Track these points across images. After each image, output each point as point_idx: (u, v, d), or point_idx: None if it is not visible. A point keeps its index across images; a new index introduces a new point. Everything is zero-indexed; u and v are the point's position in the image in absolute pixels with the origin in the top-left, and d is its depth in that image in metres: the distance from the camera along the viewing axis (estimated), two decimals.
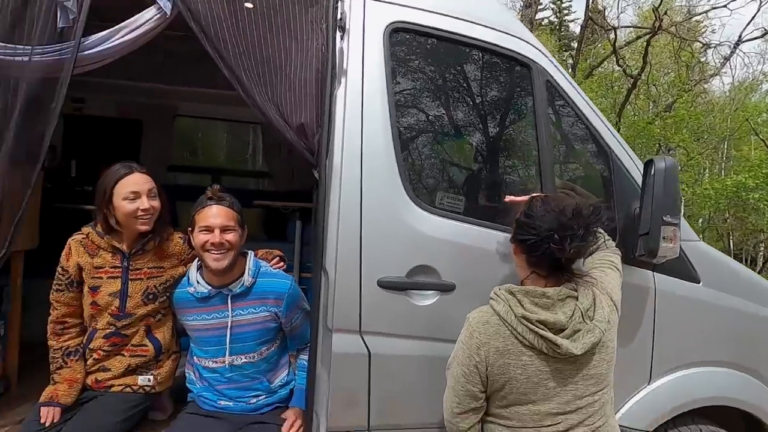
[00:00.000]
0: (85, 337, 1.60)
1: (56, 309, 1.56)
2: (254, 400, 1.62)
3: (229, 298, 1.58)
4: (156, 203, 1.56)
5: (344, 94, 1.53)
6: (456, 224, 1.54)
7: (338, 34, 1.54)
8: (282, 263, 1.77)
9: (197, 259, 1.63)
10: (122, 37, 1.57)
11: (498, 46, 1.64)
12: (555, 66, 1.65)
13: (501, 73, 1.79)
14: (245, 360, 1.61)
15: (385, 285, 1.46)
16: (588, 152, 1.78)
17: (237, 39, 1.53)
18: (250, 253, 1.67)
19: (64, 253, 1.56)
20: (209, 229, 1.51)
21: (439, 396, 1.49)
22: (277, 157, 3.45)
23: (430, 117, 1.74)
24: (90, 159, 3.08)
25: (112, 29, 1.57)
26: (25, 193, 1.50)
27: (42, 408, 1.48)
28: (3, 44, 1.46)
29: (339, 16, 1.53)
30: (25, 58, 1.47)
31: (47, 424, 1.45)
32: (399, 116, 1.58)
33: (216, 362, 1.60)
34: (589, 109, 1.68)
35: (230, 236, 1.52)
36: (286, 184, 3.46)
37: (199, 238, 1.52)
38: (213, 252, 1.50)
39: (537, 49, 1.66)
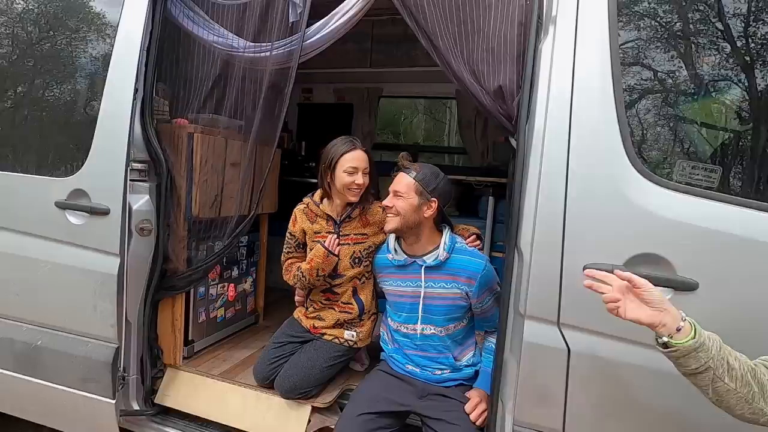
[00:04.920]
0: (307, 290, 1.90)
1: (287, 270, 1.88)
2: (439, 372, 1.63)
3: (423, 269, 1.61)
4: (367, 180, 1.70)
5: (551, 48, 1.31)
6: (708, 204, 1.15)
7: None
8: (478, 242, 1.70)
9: None
10: (336, 22, 1.72)
11: None
12: None
13: None
14: (433, 332, 1.63)
15: None
16: None
17: (434, 4, 1.48)
18: (447, 228, 1.66)
19: (291, 220, 1.86)
20: (387, 193, 1.59)
21: (656, 418, 1.18)
22: (471, 133, 3.36)
23: (671, 66, 1.33)
24: (314, 140, 3.64)
25: (327, 17, 1.74)
26: (267, 167, 1.84)
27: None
28: (253, 43, 1.79)
29: None
30: (267, 53, 1.77)
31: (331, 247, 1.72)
32: (625, 67, 1.26)
33: (407, 328, 1.66)
34: None
35: (399, 202, 1.54)
36: (479, 160, 3.36)
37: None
38: (387, 213, 1.59)
39: None
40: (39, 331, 1.81)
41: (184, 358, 1.98)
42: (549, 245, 1.27)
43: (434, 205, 1.58)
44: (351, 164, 1.68)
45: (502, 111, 1.43)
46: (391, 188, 1.58)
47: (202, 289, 2.07)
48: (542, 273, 1.28)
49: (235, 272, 2.29)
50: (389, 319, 1.76)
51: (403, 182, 1.57)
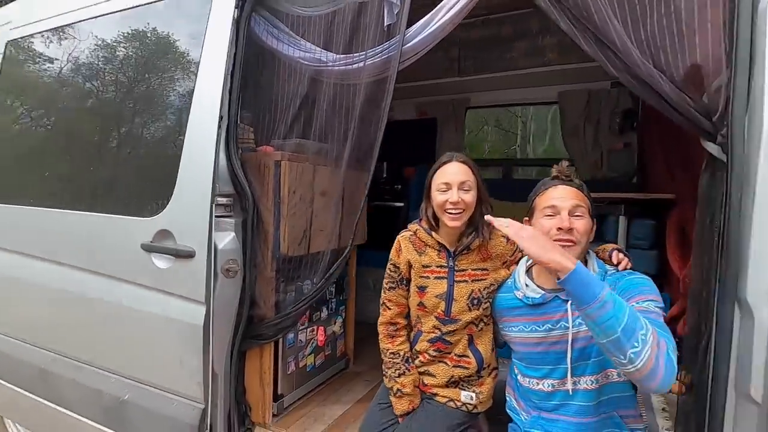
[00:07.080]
0: (411, 336, 1.57)
1: (388, 309, 1.55)
2: None
3: (569, 304, 1.22)
4: (468, 197, 1.36)
5: None
6: None
7: None
8: (625, 258, 1.29)
9: (526, 258, 1.36)
10: (442, 18, 1.44)
11: None
12: None
13: None
14: (587, 386, 1.22)
15: None
16: None
17: None
18: (591, 253, 1.28)
19: (394, 249, 1.55)
20: (555, 211, 1.21)
21: None
22: (579, 141, 2.89)
23: None
24: (396, 160, 3.39)
25: (431, 13, 1.46)
26: (362, 194, 1.58)
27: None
28: (344, 55, 1.56)
29: None
30: (361, 64, 1.53)
31: None
32: None
33: (553, 385, 1.27)
34: None
35: (579, 223, 1.19)
36: (591, 172, 2.87)
37: (545, 224, 1.23)
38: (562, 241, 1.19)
39: None
40: (126, 383, 1.68)
41: (273, 415, 1.75)
42: None
43: (594, 230, 1.24)
44: (443, 180, 1.37)
45: (692, 103, 1.03)
46: (561, 205, 1.21)
47: (291, 336, 1.84)
48: None
49: (324, 313, 2.04)
50: (521, 375, 1.36)
51: (579, 197, 1.22)
